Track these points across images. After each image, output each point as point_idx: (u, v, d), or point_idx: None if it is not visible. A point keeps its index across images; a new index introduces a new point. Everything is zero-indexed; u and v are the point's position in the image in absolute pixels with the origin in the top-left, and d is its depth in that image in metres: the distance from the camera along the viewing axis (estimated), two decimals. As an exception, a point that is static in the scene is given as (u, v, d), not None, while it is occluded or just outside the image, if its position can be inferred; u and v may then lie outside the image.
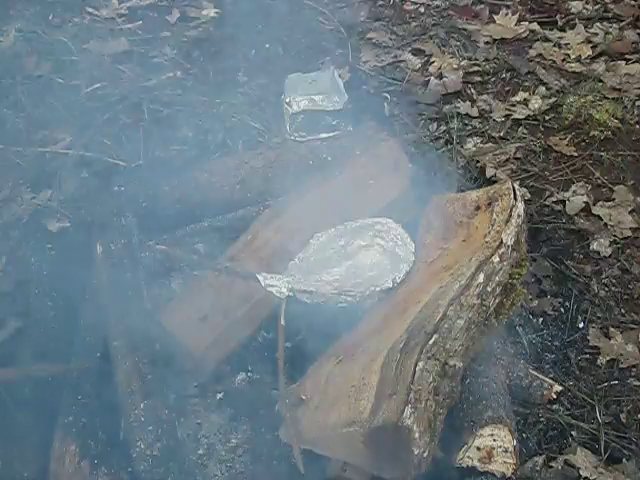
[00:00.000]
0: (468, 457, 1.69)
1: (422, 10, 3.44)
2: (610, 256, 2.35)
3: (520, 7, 3.39)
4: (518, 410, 1.90)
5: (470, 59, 3.13)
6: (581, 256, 2.36)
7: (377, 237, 2.02)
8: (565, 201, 2.52)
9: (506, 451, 1.69)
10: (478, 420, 1.70)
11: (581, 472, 1.82)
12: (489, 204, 1.95)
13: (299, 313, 1.87)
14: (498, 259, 1.82)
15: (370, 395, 1.56)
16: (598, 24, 3.26)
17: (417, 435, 1.51)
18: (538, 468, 1.82)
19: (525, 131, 2.80)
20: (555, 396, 1.94)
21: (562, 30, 3.25)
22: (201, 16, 3.43)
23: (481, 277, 1.78)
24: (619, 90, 2.92)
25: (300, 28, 3.34)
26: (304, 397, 1.68)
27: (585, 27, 3.23)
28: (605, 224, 2.44)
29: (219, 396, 1.92)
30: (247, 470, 1.80)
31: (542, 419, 1.94)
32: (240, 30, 3.34)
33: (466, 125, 2.83)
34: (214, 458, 1.83)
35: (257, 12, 3.44)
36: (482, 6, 3.42)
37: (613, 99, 2.87)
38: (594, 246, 2.38)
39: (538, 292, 2.24)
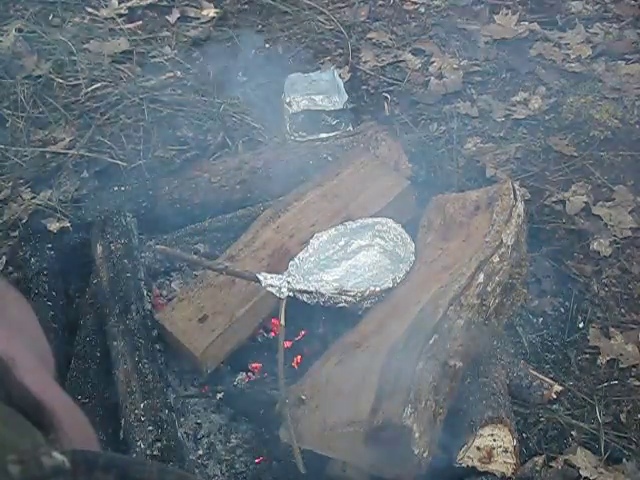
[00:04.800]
0: (468, 457, 1.69)
1: (422, 10, 3.44)
2: (610, 256, 2.35)
3: (520, 7, 3.38)
4: (518, 410, 1.90)
5: (470, 59, 3.13)
6: (581, 256, 2.36)
7: (377, 237, 2.02)
8: (565, 201, 2.51)
9: (506, 451, 1.69)
10: (478, 420, 1.70)
11: (581, 472, 1.82)
12: (489, 204, 1.96)
13: (299, 313, 1.87)
14: (498, 259, 1.82)
15: (370, 395, 1.57)
16: (598, 24, 3.25)
17: (417, 435, 1.51)
18: (538, 468, 1.81)
19: (525, 131, 2.80)
20: (555, 396, 1.94)
21: (562, 30, 3.25)
22: (201, 16, 3.43)
23: (481, 277, 1.78)
24: (619, 90, 2.92)
25: (300, 28, 3.34)
26: (304, 397, 1.68)
27: (585, 27, 3.23)
28: (605, 224, 2.44)
29: (219, 396, 1.93)
30: (247, 470, 1.81)
31: (542, 419, 1.94)
32: (240, 30, 3.34)
33: (466, 125, 2.83)
34: (214, 458, 1.83)
35: (257, 12, 3.44)
36: (482, 6, 3.41)
37: (613, 99, 2.87)
38: (594, 246, 2.37)
39: (538, 292, 2.24)
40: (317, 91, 2.63)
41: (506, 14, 3.33)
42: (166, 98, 2.96)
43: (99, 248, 2.07)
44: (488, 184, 2.25)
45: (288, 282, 1.83)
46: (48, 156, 2.72)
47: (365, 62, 3.15)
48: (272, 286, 1.82)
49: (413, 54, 3.18)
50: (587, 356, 2.11)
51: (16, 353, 0.87)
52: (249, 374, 1.95)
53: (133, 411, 1.73)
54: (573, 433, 1.92)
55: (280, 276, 1.85)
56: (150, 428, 1.70)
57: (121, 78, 3.04)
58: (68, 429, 0.81)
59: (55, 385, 0.91)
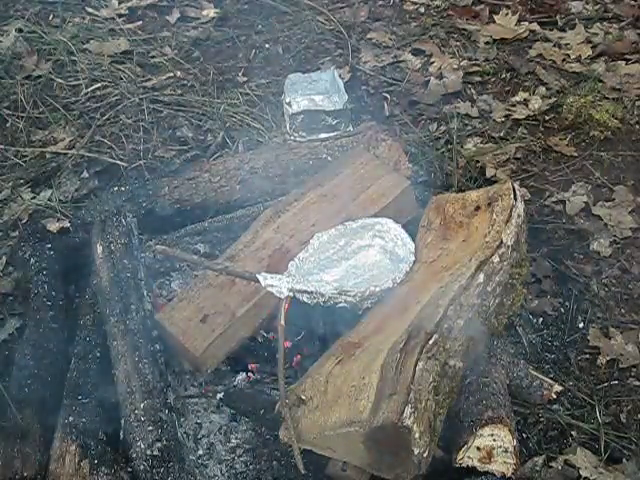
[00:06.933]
0: (468, 457, 1.69)
1: (422, 10, 3.44)
2: (610, 256, 2.35)
3: (520, 7, 3.39)
4: (518, 410, 1.90)
5: (470, 59, 3.13)
6: (581, 256, 2.36)
7: (377, 237, 2.02)
8: (565, 201, 2.52)
9: (506, 451, 1.69)
10: (478, 420, 1.70)
11: (581, 472, 1.82)
12: (489, 204, 1.96)
13: (299, 313, 1.87)
14: (498, 259, 1.82)
15: (370, 395, 1.57)
16: (598, 24, 3.26)
17: (417, 435, 1.51)
18: (538, 468, 1.82)
19: (525, 131, 2.80)
20: (555, 396, 1.94)
21: (562, 30, 3.25)
22: (201, 16, 3.43)
23: (481, 277, 1.78)
24: (619, 90, 2.92)
25: (300, 28, 3.34)
26: (304, 397, 1.68)
27: (585, 27, 3.23)
28: (605, 224, 2.44)
29: (219, 396, 1.93)
30: (247, 470, 1.81)
31: (542, 419, 1.94)
32: (240, 30, 3.34)
33: (466, 125, 2.83)
34: (214, 458, 1.83)
35: (257, 12, 3.45)
36: (482, 6, 3.42)
37: (613, 99, 2.87)
38: (594, 246, 2.38)
39: (538, 292, 2.24)
40: (317, 91, 2.63)
41: (506, 14, 3.34)
42: (166, 98, 2.96)
43: (99, 248, 2.07)
44: (488, 184, 2.25)
45: (288, 282, 1.82)
46: (48, 156, 2.72)
47: (365, 62, 3.15)
48: (272, 286, 1.82)
49: (413, 54, 3.18)
50: (587, 356, 2.11)
51: None
52: (249, 374, 1.95)
53: (133, 411, 1.73)
54: (573, 433, 1.92)
55: (280, 276, 1.85)
56: (150, 428, 1.70)
57: (121, 78, 3.04)
58: None
59: None
